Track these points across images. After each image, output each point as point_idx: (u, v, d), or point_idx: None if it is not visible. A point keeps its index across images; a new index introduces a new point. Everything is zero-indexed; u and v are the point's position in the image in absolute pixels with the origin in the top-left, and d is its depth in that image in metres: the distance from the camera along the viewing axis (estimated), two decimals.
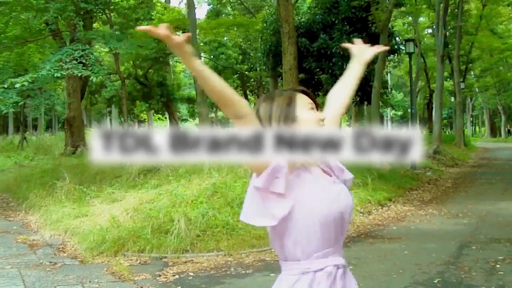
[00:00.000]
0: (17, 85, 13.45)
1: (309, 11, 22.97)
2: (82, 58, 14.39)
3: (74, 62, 14.22)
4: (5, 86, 14.02)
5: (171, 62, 36.54)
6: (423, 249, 8.02)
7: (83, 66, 14.39)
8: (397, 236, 9.13)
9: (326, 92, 22.11)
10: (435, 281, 6.38)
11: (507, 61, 47.85)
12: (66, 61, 14.07)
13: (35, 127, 59.24)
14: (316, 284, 2.11)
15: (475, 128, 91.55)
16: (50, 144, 27.13)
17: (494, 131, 76.39)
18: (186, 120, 63.17)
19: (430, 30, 43.68)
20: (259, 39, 26.94)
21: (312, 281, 2.11)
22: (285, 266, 2.20)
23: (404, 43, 22.63)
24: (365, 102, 22.82)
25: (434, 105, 34.36)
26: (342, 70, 19.35)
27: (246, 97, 46.82)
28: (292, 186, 2.08)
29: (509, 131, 72.68)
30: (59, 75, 13.97)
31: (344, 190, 2.22)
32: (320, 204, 2.10)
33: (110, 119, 55.18)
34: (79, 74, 14.50)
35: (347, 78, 2.70)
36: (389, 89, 31.60)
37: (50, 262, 7.66)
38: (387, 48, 3.20)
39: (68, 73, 14.51)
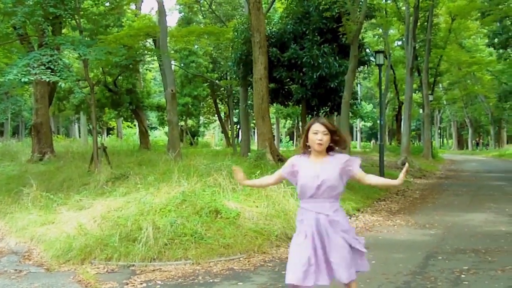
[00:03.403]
0: None
1: (280, 21, 23.06)
2: (50, 63, 14.15)
3: (42, 67, 13.98)
4: None
5: (141, 70, 36.22)
6: (390, 259, 8.07)
7: (51, 72, 14.17)
8: (365, 246, 9.17)
9: (296, 102, 22.25)
10: None
11: (475, 75, 48.61)
12: (33, 66, 13.84)
13: (1, 133, 58.37)
14: (301, 212, 4.58)
15: (442, 140, 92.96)
16: (16, 150, 26.71)
17: (461, 144, 77.66)
18: (155, 128, 62.89)
19: (400, 43, 44.27)
20: (230, 48, 26.99)
21: (301, 211, 4.59)
22: (299, 202, 4.62)
23: (374, 54, 22.90)
24: (335, 113, 22.94)
25: (402, 117, 34.73)
26: (312, 80, 19.49)
27: (216, 105, 46.87)
28: (298, 162, 4.60)
29: (477, 143, 73.92)
30: (26, 80, 13.73)
31: (323, 172, 4.44)
32: (304, 176, 4.48)
33: (79, 126, 54.64)
34: (47, 80, 14.26)
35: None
36: (359, 100, 31.85)
37: (15, 270, 7.54)
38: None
39: (35, 78, 14.27)
